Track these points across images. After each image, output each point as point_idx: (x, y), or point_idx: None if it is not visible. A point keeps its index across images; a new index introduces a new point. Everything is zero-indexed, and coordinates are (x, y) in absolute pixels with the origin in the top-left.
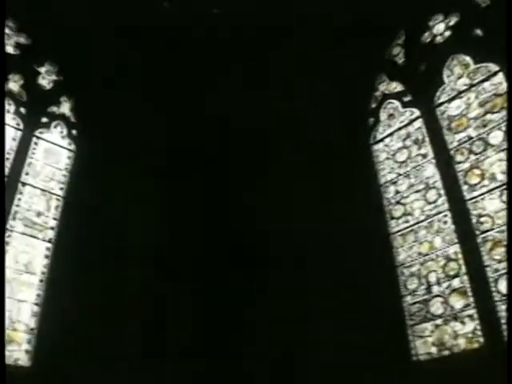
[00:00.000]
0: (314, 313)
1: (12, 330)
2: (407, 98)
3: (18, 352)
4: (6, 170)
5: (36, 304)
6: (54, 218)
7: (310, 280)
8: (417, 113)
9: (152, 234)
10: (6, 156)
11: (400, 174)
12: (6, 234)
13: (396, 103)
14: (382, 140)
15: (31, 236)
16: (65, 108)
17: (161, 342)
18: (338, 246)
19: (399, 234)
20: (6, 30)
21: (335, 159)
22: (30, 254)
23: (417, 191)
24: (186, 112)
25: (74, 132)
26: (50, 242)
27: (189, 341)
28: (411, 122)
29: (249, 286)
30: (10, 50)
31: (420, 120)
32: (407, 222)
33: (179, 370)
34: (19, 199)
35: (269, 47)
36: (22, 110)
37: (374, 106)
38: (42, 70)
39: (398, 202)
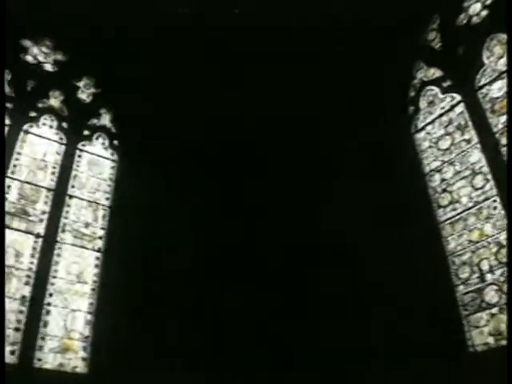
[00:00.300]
0: (367, 303)
1: (68, 339)
2: (447, 84)
3: (75, 360)
4: (53, 184)
5: (89, 312)
6: (102, 228)
7: (364, 273)
8: (458, 98)
9: (199, 240)
10: (52, 170)
11: (444, 162)
12: (57, 246)
13: (435, 89)
14: (423, 128)
15: (81, 247)
16: (105, 119)
17: (216, 346)
18: (386, 238)
19: (448, 222)
20: (44, 49)
21: (377, 152)
22: (81, 265)
23: (463, 178)
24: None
25: (115, 142)
26: (99, 251)
27: (240, 344)
28: (452, 107)
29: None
30: (48, 67)
31: (461, 105)
32: (455, 209)
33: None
34: (67, 212)
35: None
36: (64, 124)
37: (412, 94)
38: (81, 84)
39: (444, 190)
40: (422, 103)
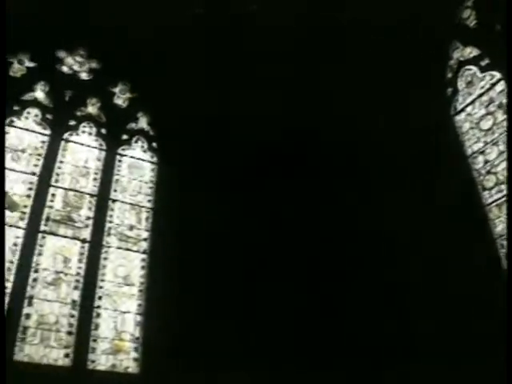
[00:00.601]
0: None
1: (119, 341)
2: (485, 62)
3: (127, 360)
4: (96, 190)
5: (138, 313)
6: (146, 230)
7: (408, 265)
8: (497, 75)
9: (240, 238)
10: (94, 176)
11: (487, 143)
12: (103, 250)
13: (473, 69)
14: (463, 110)
15: (126, 249)
16: (142, 123)
17: (265, 345)
18: (432, 224)
19: (494, 204)
20: (78, 59)
21: (417, 136)
22: (128, 267)
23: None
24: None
25: (154, 145)
26: (144, 253)
27: (292, 345)
28: (492, 86)
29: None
30: (84, 76)
31: (502, 83)
32: (501, 191)
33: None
34: (111, 216)
35: None
36: (103, 130)
37: (450, 75)
38: (116, 89)
39: (488, 172)
40: (460, 84)
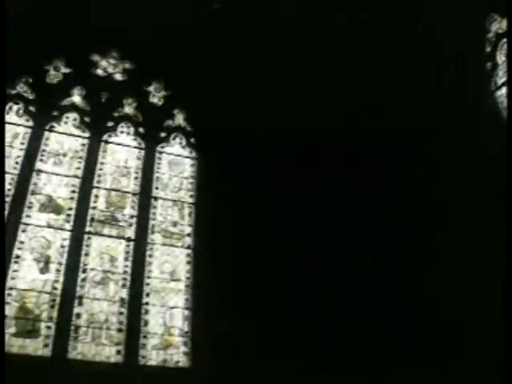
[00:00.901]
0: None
1: (168, 336)
2: None
3: (177, 355)
4: (137, 188)
5: (186, 308)
6: (190, 225)
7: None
8: None
9: (286, 229)
10: (135, 175)
11: None
12: (148, 247)
13: None
14: (504, 84)
15: (171, 245)
16: (179, 119)
17: (316, 340)
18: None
19: None
20: (112, 61)
21: (456, 114)
22: (173, 263)
23: None
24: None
25: (192, 140)
26: (188, 248)
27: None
28: None
29: None
30: (118, 77)
31: None
32: None
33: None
34: (154, 213)
35: None
36: (141, 129)
37: (488, 49)
38: (151, 88)
39: None
40: (500, 57)
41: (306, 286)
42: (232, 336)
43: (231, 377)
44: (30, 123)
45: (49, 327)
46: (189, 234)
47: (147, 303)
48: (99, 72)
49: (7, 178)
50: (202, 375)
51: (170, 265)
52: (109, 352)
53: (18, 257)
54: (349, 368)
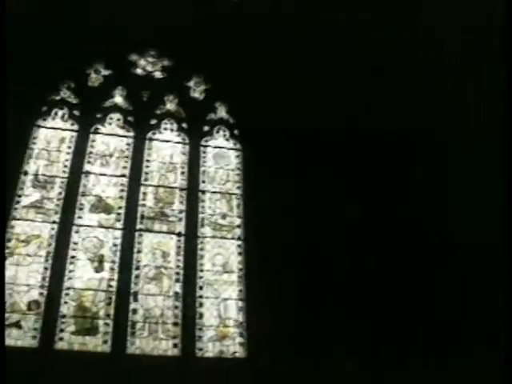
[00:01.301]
0: None
1: (224, 327)
2: None
3: (233, 346)
4: (185, 183)
5: (240, 299)
6: (239, 216)
7: None
8: None
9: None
10: (181, 170)
11: None
12: (199, 241)
13: None
14: None
15: (221, 238)
16: (221, 112)
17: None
18: None
19: None
20: (150, 59)
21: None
22: (224, 255)
23: None
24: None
25: (235, 132)
26: (239, 239)
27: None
28: None
29: None
30: (158, 75)
31: None
32: None
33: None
34: (202, 207)
35: None
36: (184, 125)
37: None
38: (191, 83)
39: None
40: None
41: (361, 271)
42: (287, 324)
43: (288, 364)
44: (76, 127)
45: (107, 324)
46: (238, 226)
47: (201, 296)
48: (139, 71)
49: (57, 181)
50: (259, 364)
51: (222, 257)
52: (166, 346)
53: (72, 257)
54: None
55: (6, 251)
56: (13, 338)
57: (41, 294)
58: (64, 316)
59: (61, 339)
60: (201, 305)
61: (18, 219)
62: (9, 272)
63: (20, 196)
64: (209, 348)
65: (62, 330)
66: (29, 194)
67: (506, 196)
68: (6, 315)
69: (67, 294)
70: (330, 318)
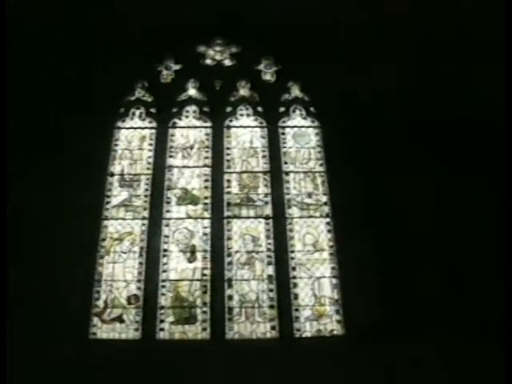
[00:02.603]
0: None
1: (319, 306)
2: None
3: (330, 324)
4: (267, 166)
5: (334, 277)
6: (325, 194)
7: None
8: None
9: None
10: (263, 154)
11: None
12: (287, 222)
13: None
14: None
15: (309, 217)
16: (295, 91)
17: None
18: None
19: None
20: (218, 48)
21: None
22: (314, 234)
23: None
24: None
25: (312, 109)
26: (327, 216)
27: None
28: None
29: None
30: (228, 62)
31: None
32: None
33: None
34: (287, 188)
35: None
36: (260, 108)
37: None
38: (261, 67)
39: None
40: None
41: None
42: (382, 298)
43: (386, 339)
44: (154, 124)
45: (204, 312)
46: (325, 203)
47: (294, 277)
48: (208, 62)
49: (142, 179)
50: (358, 341)
51: (312, 236)
52: (264, 329)
53: (165, 250)
54: None
55: (102, 250)
56: (116, 332)
57: (138, 288)
58: (162, 307)
59: (161, 330)
60: (295, 285)
61: (110, 219)
62: (106, 270)
63: (109, 197)
64: (306, 328)
65: (161, 321)
66: (117, 194)
67: None
68: (108, 310)
69: (163, 286)
70: (426, 289)
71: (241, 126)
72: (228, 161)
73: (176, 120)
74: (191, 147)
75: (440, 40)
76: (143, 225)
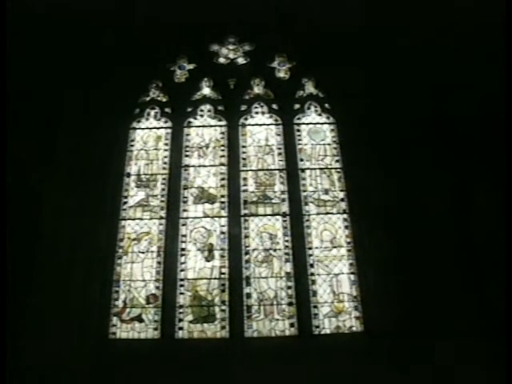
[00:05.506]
0: None
1: (338, 302)
2: None
3: (349, 320)
4: (283, 164)
5: (352, 273)
6: (341, 190)
7: None
8: None
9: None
10: (278, 151)
11: None
12: (304, 219)
13: None
14: None
15: (326, 213)
16: (309, 88)
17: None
18: None
19: None
20: (231, 47)
21: None
22: (331, 230)
23: None
24: None
25: (326, 106)
26: (344, 212)
27: None
28: None
29: None
30: (241, 60)
31: None
32: None
33: None
34: (303, 185)
35: None
36: (274, 106)
37: None
38: (275, 64)
39: None
40: None
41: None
42: (401, 294)
43: (404, 335)
44: (169, 124)
45: (223, 310)
46: (342, 199)
47: (312, 274)
48: (221, 60)
49: (159, 179)
50: (378, 337)
51: (329, 232)
52: (283, 326)
53: (183, 249)
54: None
55: (120, 250)
56: (136, 331)
57: (157, 287)
58: (181, 306)
59: (180, 329)
60: (313, 282)
61: (127, 219)
62: (124, 270)
63: (126, 197)
64: (325, 325)
65: (180, 320)
66: (134, 194)
67: None
68: (127, 310)
69: (182, 285)
70: (445, 285)
71: (256, 124)
72: (244, 159)
73: (191, 119)
74: (207, 146)
75: (457, 34)
76: (160, 224)
